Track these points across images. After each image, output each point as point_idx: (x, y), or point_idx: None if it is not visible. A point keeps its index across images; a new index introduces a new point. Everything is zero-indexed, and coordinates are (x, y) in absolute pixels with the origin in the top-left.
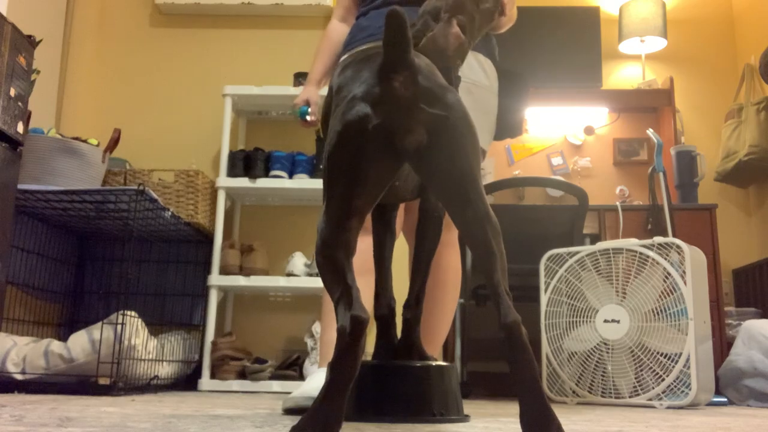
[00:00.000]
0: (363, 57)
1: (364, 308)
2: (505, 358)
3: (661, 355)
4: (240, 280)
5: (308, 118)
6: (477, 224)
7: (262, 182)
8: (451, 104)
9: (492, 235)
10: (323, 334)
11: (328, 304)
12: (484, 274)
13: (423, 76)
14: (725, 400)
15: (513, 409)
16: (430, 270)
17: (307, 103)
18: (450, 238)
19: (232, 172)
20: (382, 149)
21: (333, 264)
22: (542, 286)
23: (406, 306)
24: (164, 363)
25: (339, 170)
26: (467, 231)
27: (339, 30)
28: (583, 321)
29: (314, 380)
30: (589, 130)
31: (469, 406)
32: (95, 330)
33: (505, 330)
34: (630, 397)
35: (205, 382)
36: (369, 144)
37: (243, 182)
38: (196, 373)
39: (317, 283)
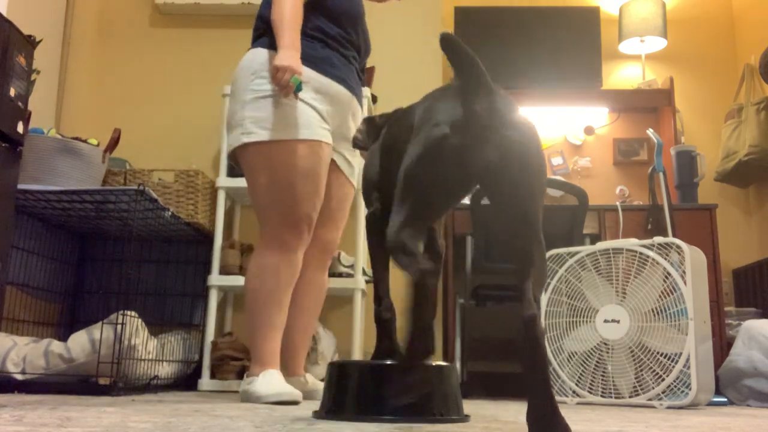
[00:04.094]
0: (446, 91)
1: (429, 262)
2: (504, 358)
3: (661, 355)
4: (240, 280)
5: (300, 94)
6: (527, 240)
7: None
8: (522, 126)
9: (536, 250)
10: (263, 342)
11: (269, 309)
12: (518, 279)
13: (500, 99)
14: (725, 400)
15: (513, 409)
16: (310, 289)
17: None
18: (327, 261)
19: (232, 172)
20: (457, 169)
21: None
22: None
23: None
24: (164, 363)
25: (415, 187)
26: (515, 243)
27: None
28: (583, 321)
29: (270, 381)
30: (589, 130)
31: (469, 406)
32: (95, 330)
33: (522, 323)
34: (630, 397)
35: (205, 382)
36: (445, 164)
37: (243, 182)
38: (196, 373)
39: None
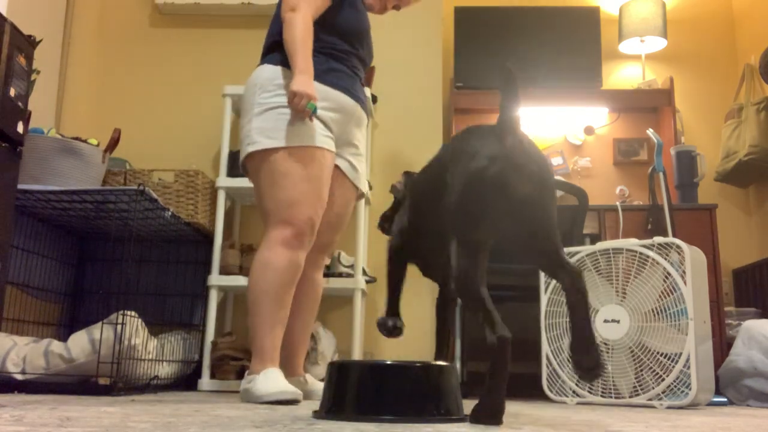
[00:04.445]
0: (477, 130)
1: (506, 327)
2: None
3: (661, 355)
4: (240, 280)
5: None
6: (551, 241)
7: None
8: (545, 163)
9: (560, 248)
10: (264, 339)
11: (270, 306)
12: (551, 265)
13: (523, 137)
14: (725, 400)
15: (513, 409)
16: (308, 288)
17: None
18: (322, 260)
19: (232, 172)
20: (500, 196)
21: (473, 289)
22: (542, 286)
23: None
24: (164, 363)
25: (466, 213)
26: (542, 245)
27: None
28: None
29: (271, 380)
30: (589, 130)
31: (469, 406)
32: (95, 330)
33: (569, 277)
34: (630, 397)
35: (205, 382)
36: (487, 190)
37: (243, 182)
38: (196, 373)
39: None
